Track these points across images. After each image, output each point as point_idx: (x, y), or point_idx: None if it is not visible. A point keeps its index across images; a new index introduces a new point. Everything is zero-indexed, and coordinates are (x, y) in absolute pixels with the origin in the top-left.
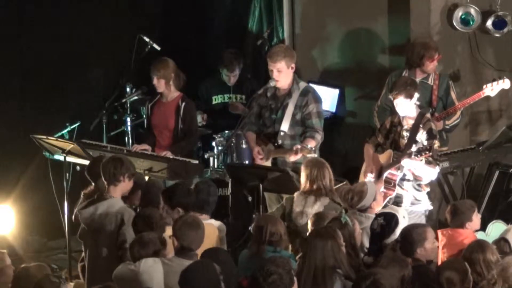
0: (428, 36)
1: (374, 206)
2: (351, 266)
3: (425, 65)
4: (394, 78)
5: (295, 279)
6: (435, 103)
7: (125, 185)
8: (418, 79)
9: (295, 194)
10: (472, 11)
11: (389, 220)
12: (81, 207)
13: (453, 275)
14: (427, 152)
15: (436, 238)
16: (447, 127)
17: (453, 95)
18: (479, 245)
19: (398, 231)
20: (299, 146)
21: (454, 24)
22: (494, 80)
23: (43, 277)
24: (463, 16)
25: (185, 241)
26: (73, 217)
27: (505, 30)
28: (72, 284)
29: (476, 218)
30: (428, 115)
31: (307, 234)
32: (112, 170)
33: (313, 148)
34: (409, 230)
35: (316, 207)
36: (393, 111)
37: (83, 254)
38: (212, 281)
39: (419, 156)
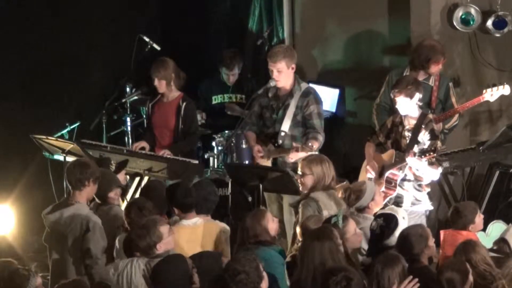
0: (429, 36)
1: (372, 207)
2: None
3: (431, 68)
4: (394, 76)
5: (263, 274)
6: (434, 105)
7: (90, 190)
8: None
9: (317, 196)
10: (472, 11)
11: (389, 221)
12: (47, 211)
13: (454, 276)
14: (431, 153)
15: (438, 237)
16: (446, 131)
17: (453, 98)
18: (467, 246)
19: (397, 233)
20: (299, 145)
21: (454, 24)
22: (494, 85)
23: (12, 271)
24: (463, 16)
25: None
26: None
27: (505, 30)
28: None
29: (479, 220)
30: (430, 116)
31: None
32: (78, 175)
33: (314, 147)
34: (410, 235)
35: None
36: (392, 110)
37: None
38: (181, 274)
39: (423, 157)
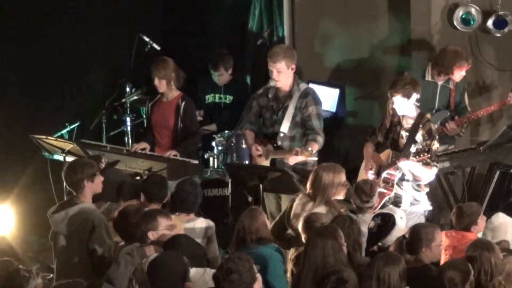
0: (429, 36)
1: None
2: (357, 264)
3: (454, 74)
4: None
5: (257, 275)
6: (453, 107)
7: (91, 187)
8: (439, 83)
9: (299, 196)
10: (473, 10)
11: (386, 220)
12: (52, 210)
13: (455, 275)
14: (425, 154)
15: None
16: (462, 133)
17: (466, 101)
18: (484, 244)
19: (394, 232)
20: (298, 149)
21: (455, 23)
22: None
23: (12, 271)
24: (463, 16)
25: None
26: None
27: (506, 29)
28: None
29: (481, 222)
30: (428, 116)
31: (304, 234)
32: (72, 180)
33: (314, 151)
34: (419, 229)
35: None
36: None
37: None
38: (178, 272)
39: (417, 157)
